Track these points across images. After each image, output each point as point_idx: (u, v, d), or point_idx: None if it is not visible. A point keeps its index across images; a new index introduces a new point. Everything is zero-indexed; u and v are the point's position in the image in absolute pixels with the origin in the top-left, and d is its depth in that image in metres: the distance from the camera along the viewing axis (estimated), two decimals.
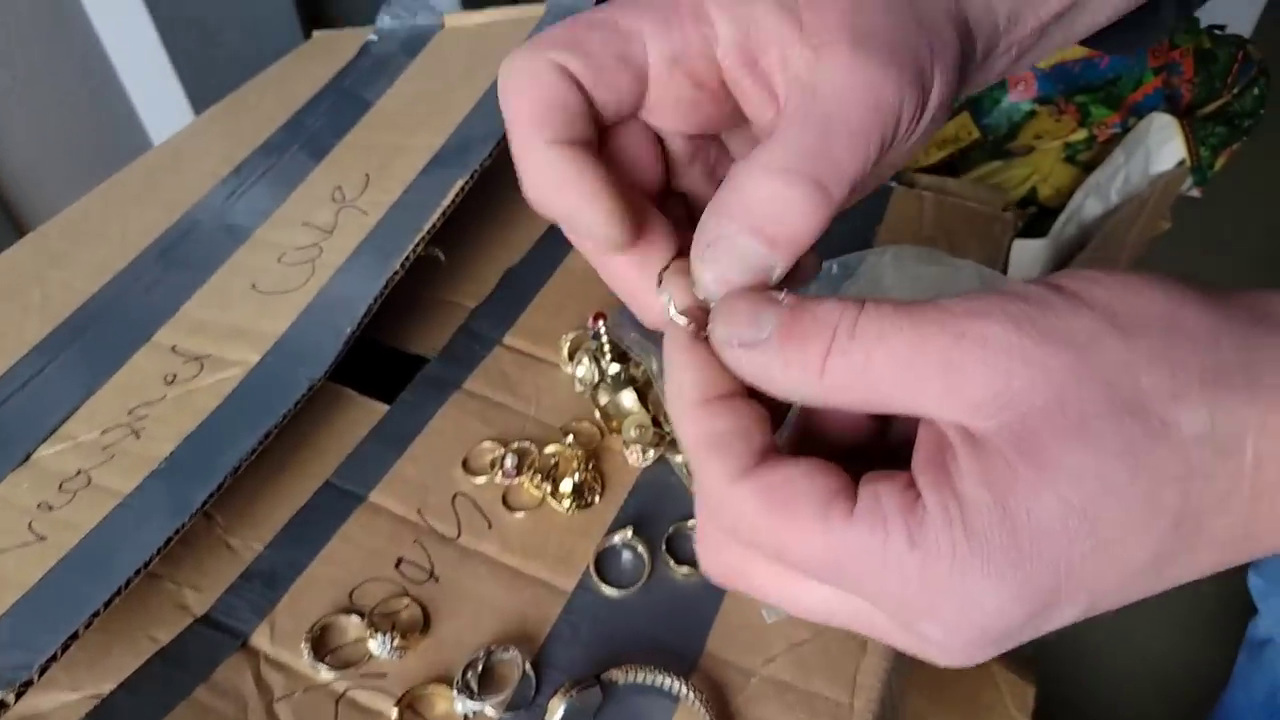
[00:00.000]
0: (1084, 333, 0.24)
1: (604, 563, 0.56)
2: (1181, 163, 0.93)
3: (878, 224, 0.75)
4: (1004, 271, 0.74)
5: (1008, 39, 0.33)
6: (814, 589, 0.27)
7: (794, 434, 0.31)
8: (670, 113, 0.30)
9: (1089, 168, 0.99)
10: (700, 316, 0.28)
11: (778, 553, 0.26)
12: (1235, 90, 0.96)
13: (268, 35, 1.04)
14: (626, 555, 0.57)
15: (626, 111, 0.30)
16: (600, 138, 0.30)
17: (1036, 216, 1.01)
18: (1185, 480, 0.23)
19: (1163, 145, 0.96)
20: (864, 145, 0.27)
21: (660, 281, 0.29)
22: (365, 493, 0.60)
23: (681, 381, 0.27)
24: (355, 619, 0.53)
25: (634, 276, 0.30)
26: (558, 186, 0.27)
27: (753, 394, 0.27)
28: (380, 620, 0.53)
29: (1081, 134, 0.99)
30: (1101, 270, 0.26)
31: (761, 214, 0.26)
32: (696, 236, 0.28)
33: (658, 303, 0.29)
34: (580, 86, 0.28)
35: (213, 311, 0.66)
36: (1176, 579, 0.25)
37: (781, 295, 0.27)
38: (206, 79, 1.01)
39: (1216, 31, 1.00)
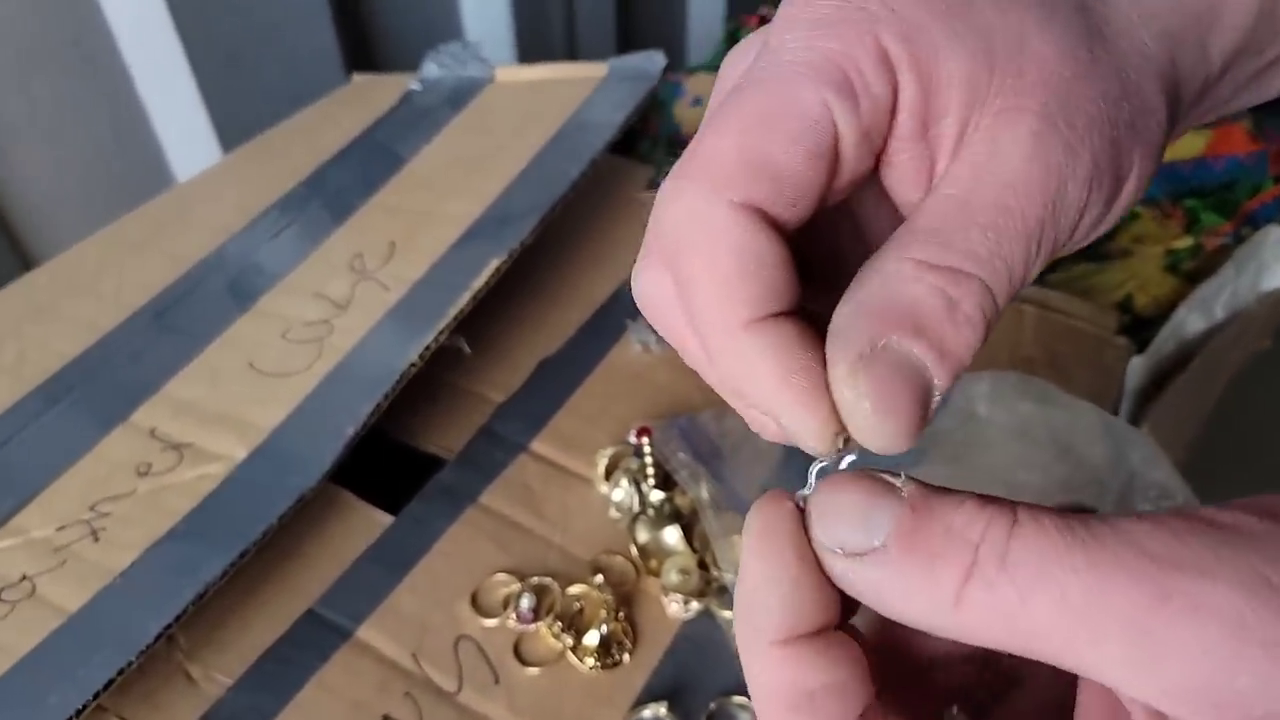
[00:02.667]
0: None
1: None
2: None
3: None
4: (1117, 406, 0.64)
5: (1210, 96, 0.24)
6: None
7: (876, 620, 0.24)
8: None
9: (1192, 278, 0.89)
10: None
11: None
12: None
13: (308, 73, 0.97)
14: None
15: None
16: None
17: (1130, 328, 0.91)
18: None
19: (1278, 260, 0.86)
20: (1034, 247, 0.21)
21: (843, 442, 0.21)
22: (353, 626, 0.50)
23: (760, 604, 0.21)
24: None
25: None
26: (761, 383, 0.21)
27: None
28: None
29: (1187, 241, 0.89)
30: None
31: (923, 318, 0.20)
32: (836, 342, 0.20)
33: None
34: (771, 221, 0.21)
35: (202, 390, 0.57)
36: None
37: (900, 481, 0.20)
38: (239, 116, 0.94)
39: None
